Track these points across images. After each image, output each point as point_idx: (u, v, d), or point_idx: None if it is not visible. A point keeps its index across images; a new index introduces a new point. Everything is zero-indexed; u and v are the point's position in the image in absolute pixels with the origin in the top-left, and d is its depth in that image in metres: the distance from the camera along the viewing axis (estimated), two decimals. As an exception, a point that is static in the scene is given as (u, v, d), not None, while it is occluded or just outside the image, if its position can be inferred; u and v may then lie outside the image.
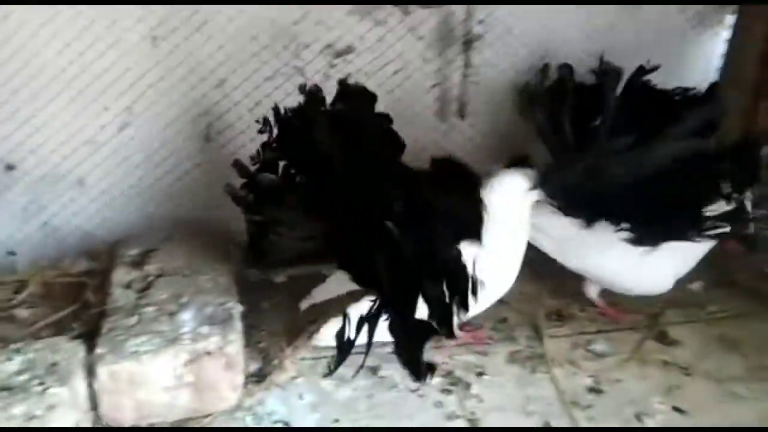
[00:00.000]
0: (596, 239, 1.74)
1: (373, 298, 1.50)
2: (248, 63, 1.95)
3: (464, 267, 1.50)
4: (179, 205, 2.09)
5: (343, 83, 1.65)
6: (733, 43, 2.07)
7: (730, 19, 2.07)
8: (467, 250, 1.51)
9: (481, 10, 1.97)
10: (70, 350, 1.47)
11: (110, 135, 1.96)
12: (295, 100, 1.97)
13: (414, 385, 1.63)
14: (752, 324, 1.87)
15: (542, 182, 1.57)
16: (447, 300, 1.48)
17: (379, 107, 1.66)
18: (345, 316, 1.52)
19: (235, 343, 1.53)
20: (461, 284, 1.49)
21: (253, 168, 1.59)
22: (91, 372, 1.43)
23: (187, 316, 1.58)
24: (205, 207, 2.11)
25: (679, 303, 1.92)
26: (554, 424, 1.53)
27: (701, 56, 2.12)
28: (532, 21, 2.00)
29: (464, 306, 1.50)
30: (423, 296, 1.46)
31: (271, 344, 1.78)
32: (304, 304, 1.74)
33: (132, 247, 1.90)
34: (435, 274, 1.47)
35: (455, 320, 1.49)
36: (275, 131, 1.61)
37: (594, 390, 1.64)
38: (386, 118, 1.60)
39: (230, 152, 2.05)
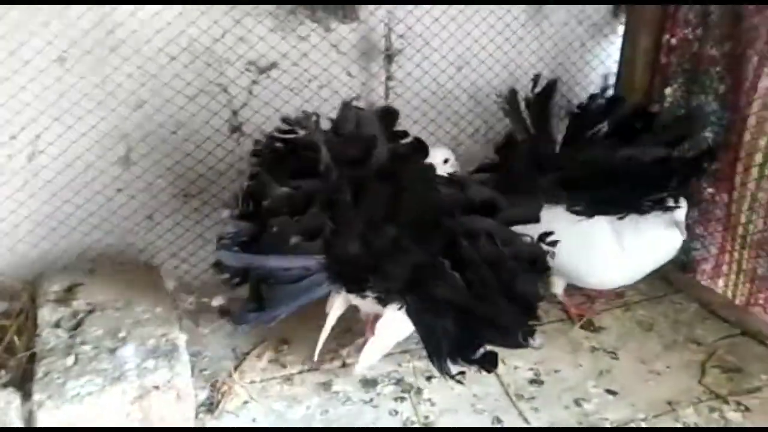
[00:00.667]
0: (559, 226, 1.85)
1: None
2: (169, 83, 1.89)
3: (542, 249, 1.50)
4: (102, 235, 1.98)
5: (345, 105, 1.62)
6: (625, 52, 2.26)
7: (621, 29, 2.26)
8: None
9: (400, 26, 2.03)
10: (2, 399, 1.36)
11: (19, 165, 1.83)
12: (221, 118, 1.98)
13: (367, 396, 1.65)
14: (663, 305, 2.05)
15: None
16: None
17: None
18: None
19: (183, 375, 1.48)
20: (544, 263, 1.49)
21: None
22: (30, 420, 1.33)
23: (128, 352, 1.51)
24: (129, 235, 2.02)
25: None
26: (503, 418, 1.60)
27: (599, 64, 2.30)
28: (448, 34, 2.08)
29: (530, 309, 1.50)
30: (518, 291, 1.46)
31: (218, 370, 1.73)
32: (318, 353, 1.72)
33: (54, 283, 1.78)
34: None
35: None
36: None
37: (535, 381, 1.73)
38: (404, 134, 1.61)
39: (154, 176, 1.97)
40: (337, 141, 1.50)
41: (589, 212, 1.81)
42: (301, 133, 1.49)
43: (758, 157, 1.88)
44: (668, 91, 2.15)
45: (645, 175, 1.78)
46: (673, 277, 2.14)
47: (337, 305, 1.67)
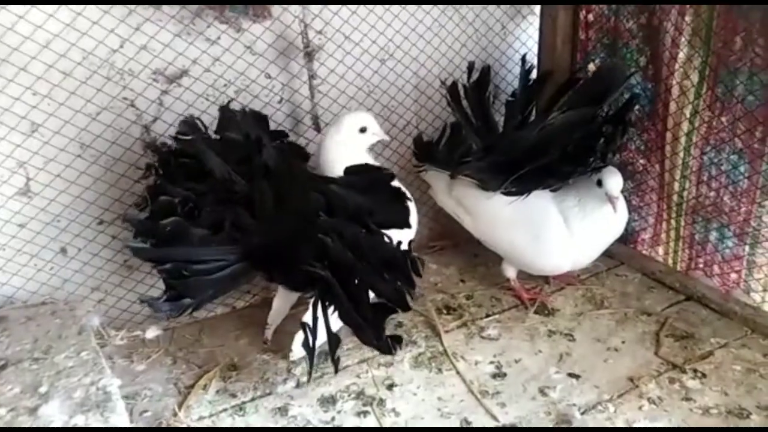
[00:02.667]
0: (506, 212, 1.80)
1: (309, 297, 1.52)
2: (66, 102, 1.67)
3: (403, 253, 1.48)
4: (7, 278, 1.74)
5: (224, 109, 1.63)
6: (543, 31, 2.23)
7: (538, 8, 2.22)
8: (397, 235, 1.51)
9: (317, 21, 1.89)
10: None
11: None
12: (131, 136, 1.78)
13: (327, 416, 1.53)
14: (609, 280, 2.04)
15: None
16: (394, 287, 1.47)
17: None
18: (303, 325, 1.51)
19: (119, 426, 1.30)
20: (403, 269, 1.47)
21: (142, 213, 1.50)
22: None
23: (52, 409, 1.31)
24: (40, 274, 1.79)
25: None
26: (471, 419, 1.52)
27: (521, 46, 2.25)
28: (368, 26, 1.96)
29: (410, 284, 1.48)
30: (373, 290, 1.48)
31: (160, 410, 1.55)
32: (269, 333, 1.80)
33: (-45, 341, 1.54)
34: (377, 267, 1.47)
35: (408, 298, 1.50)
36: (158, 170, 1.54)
37: (498, 375, 1.66)
38: (282, 134, 1.65)
39: (61, 206, 1.75)
40: (221, 143, 1.53)
41: (521, 190, 1.76)
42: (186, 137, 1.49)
43: (685, 126, 1.87)
44: (591, 67, 2.13)
45: (571, 140, 1.74)
46: (614, 251, 2.12)
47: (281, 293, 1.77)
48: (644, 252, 2.10)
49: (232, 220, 1.45)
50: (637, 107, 1.96)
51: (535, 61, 2.23)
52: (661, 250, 2.07)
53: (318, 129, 1.98)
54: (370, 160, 1.76)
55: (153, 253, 1.45)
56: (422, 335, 1.81)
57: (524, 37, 2.24)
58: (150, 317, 1.94)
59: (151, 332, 1.90)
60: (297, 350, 1.65)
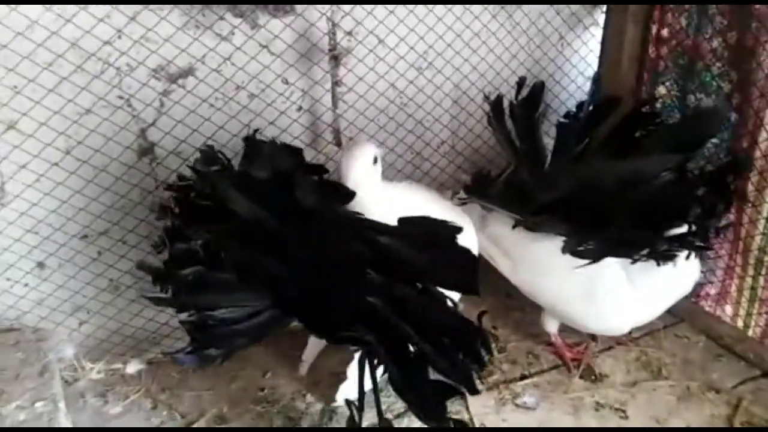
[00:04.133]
0: (556, 260, 1.45)
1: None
2: (48, 97, 1.38)
3: (468, 324, 1.17)
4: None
5: (250, 140, 1.27)
6: (607, 45, 1.88)
7: (602, 18, 1.87)
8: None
9: (347, 21, 1.57)
10: None
11: None
12: (125, 138, 1.49)
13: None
14: (667, 341, 1.69)
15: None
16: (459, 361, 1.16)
17: (237, 141, 1.30)
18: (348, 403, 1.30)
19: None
20: (471, 344, 1.16)
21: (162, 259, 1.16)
22: None
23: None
24: (4, 292, 1.50)
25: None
26: None
27: (579, 60, 1.90)
28: (406, 29, 1.64)
29: (479, 363, 1.17)
30: (433, 367, 1.16)
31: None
32: (303, 370, 1.56)
33: None
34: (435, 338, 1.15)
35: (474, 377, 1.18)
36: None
37: (535, 459, 1.33)
38: (320, 169, 1.25)
39: (42, 212, 1.46)
40: (247, 178, 1.20)
41: (596, 254, 1.40)
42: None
43: (777, 167, 1.52)
44: (661, 90, 1.78)
45: (659, 198, 1.37)
46: (673, 305, 1.77)
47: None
48: (708, 309, 1.75)
49: (261, 267, 1.16)
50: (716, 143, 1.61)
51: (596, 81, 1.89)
52: (729, 309, 1.72)
53: (339, 144, 1.67)
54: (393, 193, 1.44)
55: (173, 303, 1.18)
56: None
57: (584, 51, 1.90)
58: (134, 348, 1.65)
59: (133, 366, 1.62)
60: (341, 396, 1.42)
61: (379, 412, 1.27)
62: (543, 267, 1.50)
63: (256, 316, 1.18)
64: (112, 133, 1.48)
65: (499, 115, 1.57)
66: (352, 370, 1.33)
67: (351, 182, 1.28)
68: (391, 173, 1.75)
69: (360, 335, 1.13)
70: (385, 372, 1.18)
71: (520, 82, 1.57)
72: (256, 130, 1.28)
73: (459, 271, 1.15)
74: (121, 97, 1.47)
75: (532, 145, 1.56)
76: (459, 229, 1.14)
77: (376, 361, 1.18)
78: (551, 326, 1.61)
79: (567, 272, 1.42)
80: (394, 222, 1.19)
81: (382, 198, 1.34)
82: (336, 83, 1.61)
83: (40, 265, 1.54)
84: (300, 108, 1.63)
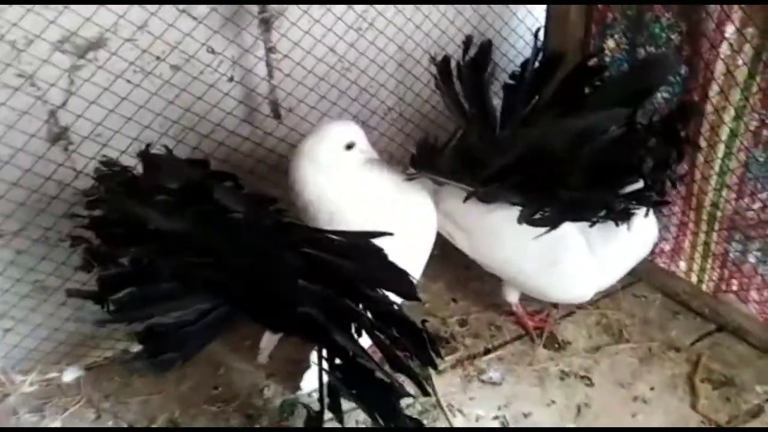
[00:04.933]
0: (513, 231, 1.35)
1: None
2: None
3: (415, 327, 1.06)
4: None
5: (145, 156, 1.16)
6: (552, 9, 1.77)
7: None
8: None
9: (275, -22, 1.39)
10: None
11: None
12: (29, 122, 1.28)
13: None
14: (626, 301, 1.65)
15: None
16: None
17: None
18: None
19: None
20: (419, 345, 1.05)
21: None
22: None
23: None
24: None
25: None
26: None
27: (526, 14, 1.78)
28: (343, -14, 1.47)
29: (431, 364, 1.08)
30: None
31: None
32: (262, 359, 1.42)
33: None
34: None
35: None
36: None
37: (504, 436, 1.28)
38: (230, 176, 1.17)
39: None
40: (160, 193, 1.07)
41: (553, 221, 1.31)
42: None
43: (728, 123, 1.46)
44: (610, 43, 1.68)
45: (610, 155, 1.29)
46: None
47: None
48: (663, 265, 1.72)
49: (198, 273, 1.03)
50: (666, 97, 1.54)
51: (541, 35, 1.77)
52: (683, 264, 1.69)
53: (278, 117, 1.51)
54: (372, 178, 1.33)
55: (117, 320, 1.06)
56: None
57: (530, 5, 1.77)
58: (69, 354, 1.49)
59: (70, 374, 1.46)
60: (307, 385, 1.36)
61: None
62: (500, 239, 1.41)
63: (207, 315, 1.06)
64: (15, 119, 1.27)
65: (447, 77, 1.44)
66: (313, 357, 1.23)
67: (310, 166, 1.17)
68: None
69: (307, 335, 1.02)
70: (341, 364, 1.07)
71: (467, 42, 1.43)
72: (148, 145, 1.14)
73: (396, 281, 1.04)
74: (20, 76, 1.26)
75: (481, 108, 1.43)
76: (379, 249, 1.03)
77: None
78: (512, 296, 1.54)
79: (525, 242, 1.34)
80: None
81: (349, 192, 1.23)
82: (270, 50, 1.44)
83: (-52, 272, 1.34)
84: (231, 79, 1.45)
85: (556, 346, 1.51)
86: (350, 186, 1.27)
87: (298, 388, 1.37)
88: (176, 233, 1.01)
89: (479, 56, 1.43)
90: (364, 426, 1.30)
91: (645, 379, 1.41)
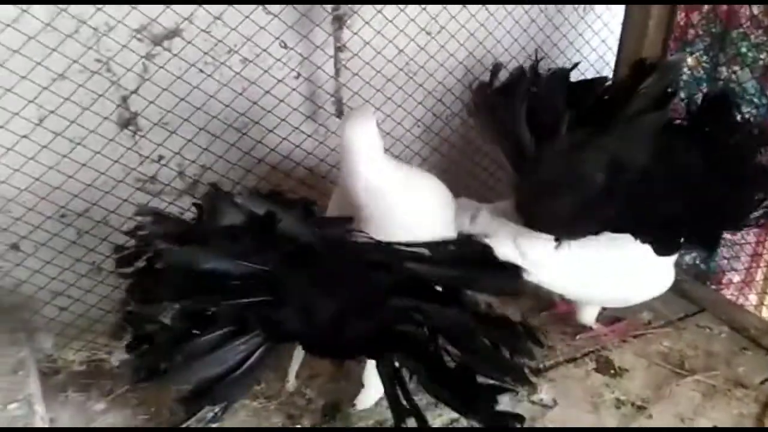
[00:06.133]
0: (586, 257, 1.34)
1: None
2: (13, 59, 1.18)
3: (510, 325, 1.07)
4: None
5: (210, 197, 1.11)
6: (631, 10, 1.70)
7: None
8: None
9: (352, -24, 1.38)
10: None
11: None
12: (103, 105, 1.30)
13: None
14: (688, 332, 1.56)
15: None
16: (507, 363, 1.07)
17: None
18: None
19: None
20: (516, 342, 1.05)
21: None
22: None
23: None
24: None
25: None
26: None
27: (602, 27, 1.72)
28: (418, -13, 1.45)
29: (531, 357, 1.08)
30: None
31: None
32: (291, 386, 1.38)
33: None
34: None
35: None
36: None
37: (555, 466, 1.22)
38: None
39: (14, 190, 1.29)
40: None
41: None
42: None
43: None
44: (690, 62, 1.61)
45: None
46: (694, 293, 1.65)
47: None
48: (730, 297, 1.63)
49: (256, 315, 1.00)
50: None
51: (615, 49, 1.71)
52: (753, 297, 1.60)
53: (342, 116, 1.49)
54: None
55: (162, 384, 1.08)
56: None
57: (607, 16, 1.71)
58: (119, 334, 1.50)
59: (118, 357, 1.46)
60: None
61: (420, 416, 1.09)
62: (577, 268, 1.37)
63: (249, 357, 1.02)
64: (90, 102, 1.30)
65: (482, 104, 1.37)
66: (369, 378, 1.22)
67: (359, 155, 1.13)
68: (398, 149, 1.59)
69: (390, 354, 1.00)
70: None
71: (495, 69, 1.36)
72: (215, 184, 1.14)
73: (501, 281, 1.01)
74: (98, 61, 1.29)
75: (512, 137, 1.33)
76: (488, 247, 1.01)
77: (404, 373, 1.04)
78: (590, 317, 1.50)
79: (599, 264, 1.32)
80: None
81: (391, 175, 1.19)
82: (339, 48, 1.43)
83: (14, 247, 1.37)
84: (299, 75, 1.45)
85: (612, 372, 1.44)
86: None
87: (352, 405, 1.33)
88: (242, 275, 0.99)
89: (511, 83, 1.36)
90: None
91: (708, 415, 1.33)
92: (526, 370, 1.10)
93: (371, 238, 1.06)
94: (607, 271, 1.38)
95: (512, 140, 1.33)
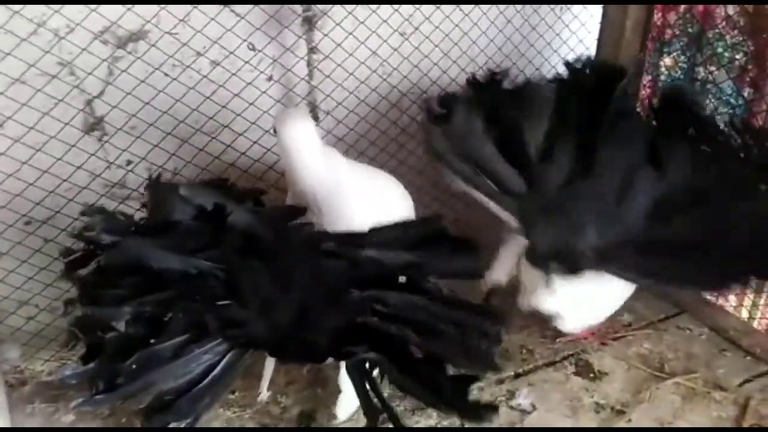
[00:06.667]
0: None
1: None
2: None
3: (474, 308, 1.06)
4: None
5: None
6: (609, 10, 1.68)
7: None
8: None
9: (321, -24, 1.36)
10: None
11: None
12: (64, 111, 1.27)
13: None
14: (669, 334, 1.55)
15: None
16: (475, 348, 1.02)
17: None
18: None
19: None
20: (481, 323, 1.02)
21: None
22: None
23: None
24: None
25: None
26: None
27: (579, 27, 1.70)
28: (389, -12, 1.42)
29: (495, 340, 1.03)
30: (449, 363, 1.02)
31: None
32: (264, 396, 1.34)
33: None
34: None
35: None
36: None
37: (533, 472, 1.20)
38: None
39: None
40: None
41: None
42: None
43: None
44: (667, 61, 1.60)
45: None
46: (672, 293, 1.64)
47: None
48: (710, 298, 1.62)
49: (216, 318, 0.96)
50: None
51: (593, 49, 1.70)
52: (733, 299, 1.59)
53: (315, 119, 1.46)
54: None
55: (122, 396, 0.98)
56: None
57: (584, 16, 1.69)
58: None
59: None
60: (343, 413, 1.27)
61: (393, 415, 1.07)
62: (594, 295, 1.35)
63: (214, 367, 0.99)
64: (51, 106, 1.26)
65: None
66: (344, 381, 1.18)
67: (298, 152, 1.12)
68: (373, 151, 1.56)
69: (357, 353, 0.96)
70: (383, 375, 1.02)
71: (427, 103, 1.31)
72: (158, 174, 1.13)
73: (460, 261, 0.98)
74: (60, 64, 1.25)
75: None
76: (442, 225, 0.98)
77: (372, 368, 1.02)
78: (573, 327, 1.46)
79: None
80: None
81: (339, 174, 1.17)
82: (311, 50, 1.40)
83: (-22, 256, 1.33)
84: (270, 78, 1.42)
85: (591, 375, 1.43)
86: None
87: (335, 417, 1.29)
88: (196, 273, 0.96)
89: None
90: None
91: (687, 419, 1.31)
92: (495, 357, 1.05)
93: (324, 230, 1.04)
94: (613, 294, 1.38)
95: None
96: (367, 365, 1.00)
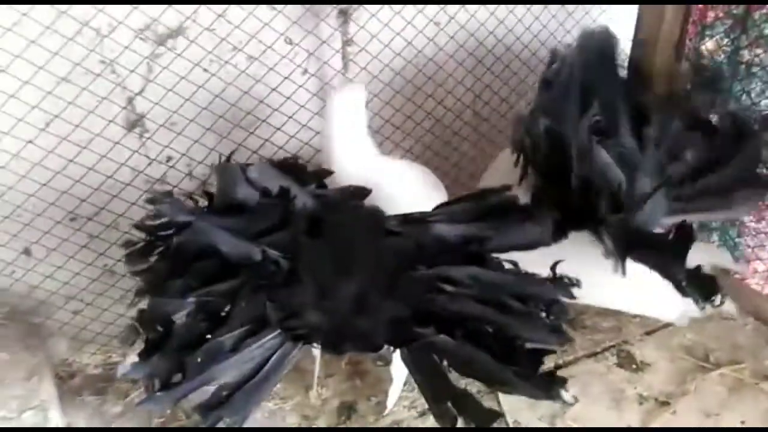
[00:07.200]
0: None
1: None
2: (15, 63, 1.17)
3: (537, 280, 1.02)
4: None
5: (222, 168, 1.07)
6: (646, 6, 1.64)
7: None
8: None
9: (357, -32, 1.35)
10: None
11: None
12: (107, 108, 1.29)
13: None
14: (712, 323, 1.52)
15: None
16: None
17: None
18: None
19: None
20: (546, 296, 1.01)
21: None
22: None
23: None
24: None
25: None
26: None
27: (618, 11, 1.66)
28: (425, -22, 1.41)
29: (564, 312, 1.02)
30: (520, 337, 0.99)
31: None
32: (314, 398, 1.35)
33: None
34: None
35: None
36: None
37: (577, 464, 1.19)
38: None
39: (22, 196, 1.29)
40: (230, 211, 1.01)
41: None
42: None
43: None
44: (709, 45, 1.55)
45: None
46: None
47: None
48: (756, 287, 1.58)
49: (276, 309, 0.97)
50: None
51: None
52: (777, 287, 1.55)
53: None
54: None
55: (184, 393, 0.97)
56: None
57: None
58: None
59: (133, 360, 1.46)
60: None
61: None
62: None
63: (266, 362, 0.99)
64: (95, 104, 1.29)
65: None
66: (396, 370, 1.20)
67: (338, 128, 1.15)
68: (408, 143, 1.56)
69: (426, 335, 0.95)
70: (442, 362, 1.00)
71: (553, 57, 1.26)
72: (231, 153, 1.11)
73: (529, 231, 0.99)
74: (102, 62, 1.27)
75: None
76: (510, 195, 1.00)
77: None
78: None
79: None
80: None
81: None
82: (346, 42, 1.40)
83: (26, 253, 1.37)
84: (306, 71, 1.42)
85: (634, 366, 1.41)
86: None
87: (385, 407, 1.31)
88: (261, 259, 0.96)
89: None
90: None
91: (735, 410, 1.29)
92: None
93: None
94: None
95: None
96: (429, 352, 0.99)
